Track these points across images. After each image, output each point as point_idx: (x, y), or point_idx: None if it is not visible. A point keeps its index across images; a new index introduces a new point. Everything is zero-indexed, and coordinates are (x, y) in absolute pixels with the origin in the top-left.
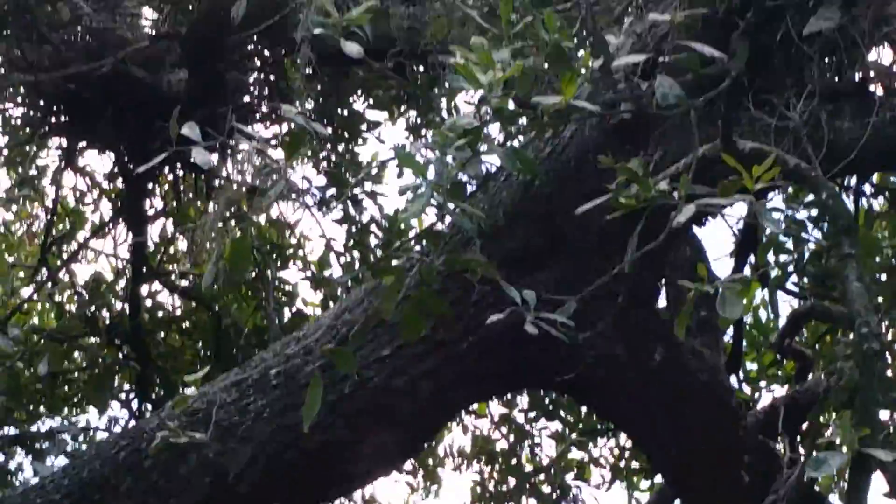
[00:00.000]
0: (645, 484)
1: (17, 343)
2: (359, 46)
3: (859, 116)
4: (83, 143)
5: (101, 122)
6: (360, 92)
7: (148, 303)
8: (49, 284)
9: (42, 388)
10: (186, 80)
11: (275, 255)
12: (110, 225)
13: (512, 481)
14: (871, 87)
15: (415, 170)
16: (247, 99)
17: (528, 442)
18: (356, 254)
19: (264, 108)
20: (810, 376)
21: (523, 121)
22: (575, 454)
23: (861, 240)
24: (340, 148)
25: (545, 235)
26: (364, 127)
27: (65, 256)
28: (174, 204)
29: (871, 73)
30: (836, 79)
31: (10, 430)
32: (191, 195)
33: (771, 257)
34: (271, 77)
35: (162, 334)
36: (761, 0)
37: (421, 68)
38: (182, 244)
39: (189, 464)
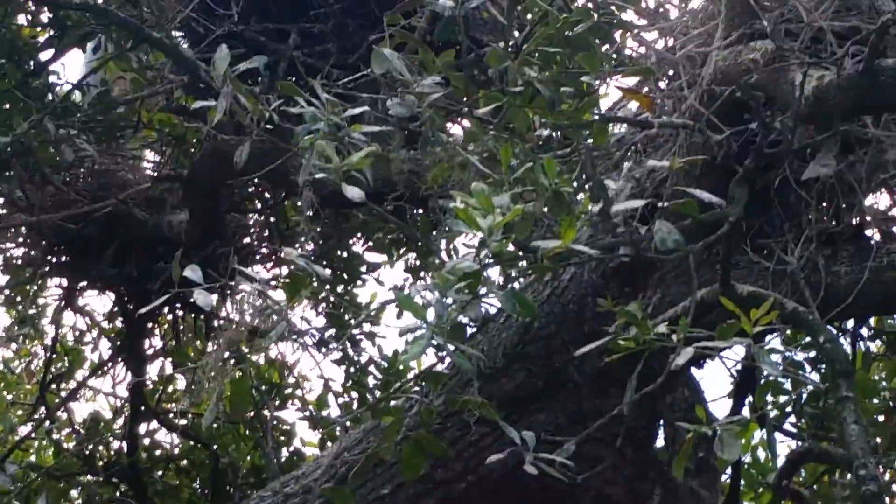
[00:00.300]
0: None
1: (16, 480)
2: (360, 190)
3: (856, 261)
4: (83, 283)
5: (102, 262)
6: (360, 234)
7: (146, 441)
8: (47, 422)
9: None
10: (187, 221)
11: (273, 395)
12: (109, 364)
13: None
14: (868, 232)
15: (414, 312)
16: (247, 240)
17: None
18: (354, 394)
19: (265, 250)
20: None
21: (523, 264)
22: None
23: (858, 382)
24: (340, 289)
25: (544, 377)
26: (363, 269)
27: (63, 395)
28: (173, 343)
29: (868, 219)
30: (834, 223)
31: None
32: (190, 335)
33: (769, 398)
34: (272, 219)
35: (159, 473)
36: (760, 146)
37: (421, 212)
38: (180, 383)
39: None
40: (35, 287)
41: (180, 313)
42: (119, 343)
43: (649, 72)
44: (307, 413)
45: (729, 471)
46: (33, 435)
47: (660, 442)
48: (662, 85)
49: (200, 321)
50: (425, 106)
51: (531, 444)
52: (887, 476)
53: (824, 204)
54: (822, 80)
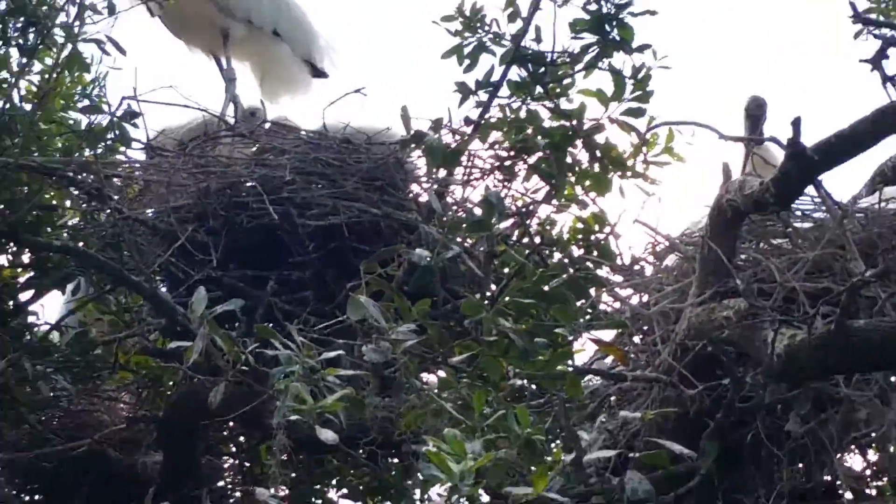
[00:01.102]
0: None
1: None
2: (334, 433)
3: None
4: None
5: (75, 501)
6: (333, 481)
7: None
8: None
9: None
10: (162, 462)
11: None
12: None
13: None
14: (840, 491)
15: None
16: (221, 483)
17: None
18: None
19: (238, 493)
20: None
21: None
22: None
23: None
24: None
25: None
26: None
27: None
28: None
29: (841, 478)
30: (806, 481)
31: None
32: None
33: None
34: (246, 462)
35: None
36: (731, 401)
37: (395, 459)
38: None
39: None
40: None
41: None
42: None
43: (623, 326)
44: None
45: None
46: None
47: None
48: (636, 339)
49: None
50: (400, 353)
51: None
52: None
53: (796, 461)
54: (794, 338)
